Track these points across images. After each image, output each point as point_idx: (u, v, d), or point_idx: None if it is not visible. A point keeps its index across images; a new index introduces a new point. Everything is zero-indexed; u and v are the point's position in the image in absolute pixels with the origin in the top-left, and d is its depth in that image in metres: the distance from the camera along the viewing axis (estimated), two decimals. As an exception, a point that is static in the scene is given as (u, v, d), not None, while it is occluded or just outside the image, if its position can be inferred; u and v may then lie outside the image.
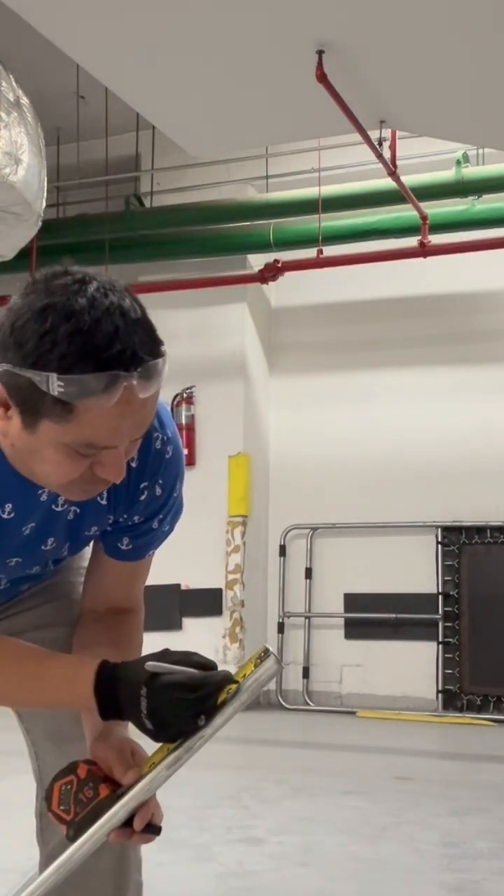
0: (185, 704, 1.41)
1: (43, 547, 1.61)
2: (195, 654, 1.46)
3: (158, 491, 1.62)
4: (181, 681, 1.41)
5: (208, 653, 8.08)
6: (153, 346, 1.35)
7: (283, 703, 7.53)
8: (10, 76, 5.47)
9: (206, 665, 1.45)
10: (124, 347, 1.30)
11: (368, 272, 7.35)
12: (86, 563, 1.78)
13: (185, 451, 9.07)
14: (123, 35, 4.60)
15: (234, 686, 1.45)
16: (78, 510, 1.59)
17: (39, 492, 1.51)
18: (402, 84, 4.98)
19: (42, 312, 1.30)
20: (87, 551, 1.77)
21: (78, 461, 1.36)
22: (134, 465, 1.55)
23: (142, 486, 1.59)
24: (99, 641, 1.65)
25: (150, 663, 1.42)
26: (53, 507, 1.56)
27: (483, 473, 7.27)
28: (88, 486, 1.42)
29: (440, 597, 7.27)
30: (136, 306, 1.35)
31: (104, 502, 1.59)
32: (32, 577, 1.73)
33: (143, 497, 1.60)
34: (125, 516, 1.62)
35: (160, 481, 1.61)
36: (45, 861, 1.65)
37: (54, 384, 1.28)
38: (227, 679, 1.44)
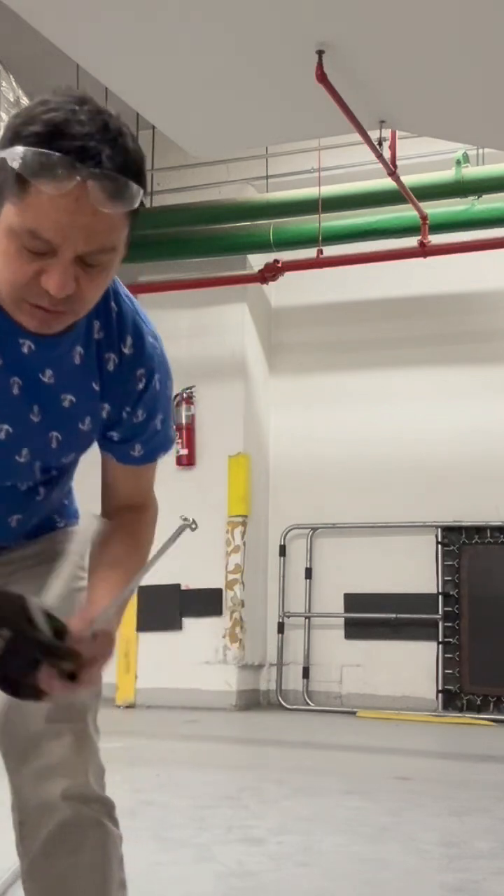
0: (33, 668, 1.40)
1: (32, 417, 1.60)
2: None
3: (157, 385, 1.65)
4: (49, 644, 1.40)
5: (208, 653, 8.10)
6: (126, 168, 1.36)
7: (283, 703, 7.53)
8: (10, 76, 5.47)
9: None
10: (91, 147, 1.33)
11: (368, 272, 7.35)
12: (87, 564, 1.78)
13: (186, 452, 9.00)
14: (123, 35, 4.60)
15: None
16: (74, 399, 1.60)
17: (21, 341, 1.52)
18: (402, 84, 4.98)
19: (32, 105, 1.37)
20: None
21: (24, 259, 1.37)
22: (127, 351, 1.60)
23: (138, 372, 1.62)
24: (113, 535, 1.70)
25: (34, 600, 1.41)
26: (41, 376, 1.57)
27: (483, 473, 7.27)
28: (34, 298, 1.41)
29: (440, 597, 7.27)
30: (129, 133, 1.39)
31: (97, 387, 1.61)
32: (24, 499, 1.71)
33: (140, 386, 1.63)
34: (128, 410, 1.64)
35: (157, 376, 1.65)
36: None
37: (16, 156, 1.32)
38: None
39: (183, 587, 7.49)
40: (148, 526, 1.80)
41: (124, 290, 1.65)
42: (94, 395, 1.61)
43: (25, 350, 1.54)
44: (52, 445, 1.65)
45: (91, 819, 1.62)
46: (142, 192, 1.38)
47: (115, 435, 1.67)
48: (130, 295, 1.66)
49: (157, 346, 1.66)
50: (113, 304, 1.61)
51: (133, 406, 1.64)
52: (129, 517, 1.76)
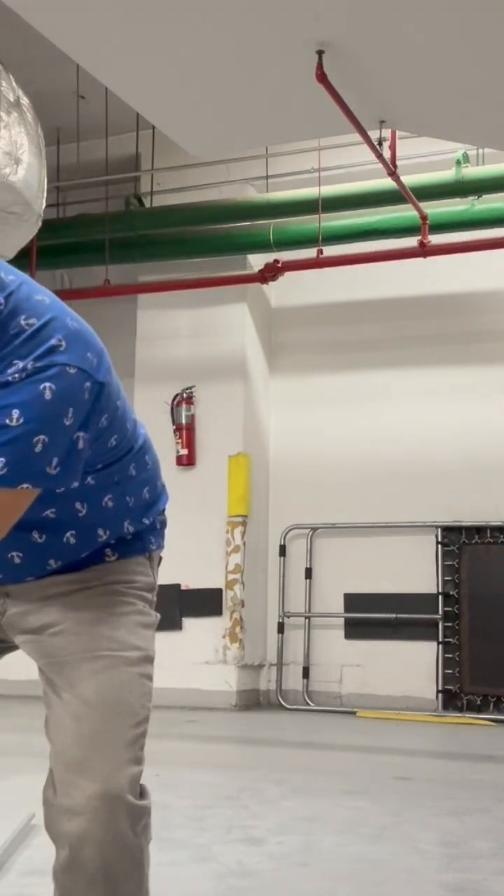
0: None
1: None
2: None
3: (14, 377, 1.52)
4: None
5: (208, 653, 8.07)
6: None
7: (283, 703, 7.53)
8: (10, 76, 5.47)
9: None
10: None
11: (368, 272, 7.35)
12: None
13: (186, 452, 8.95)
14: (123, 35, 4.60)
15: None
16: None
17: None
18: (402, 84, 4.98)
19: None
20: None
21: None
22: None
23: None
24: None
25: None
26: None
27: (483, 473, 7.27)
28: None
29: (440, 597, 7.27)
30: None
31: None
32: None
33: None
34: None
35: (23, 363, 1.52)
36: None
37: None
38: None
39: (183, 587, 7.49)
40: None
41: (29, 292, 1.58)
42: None
43: None
44: None
45: (97, 865, 1.63)
46: None
47: None
48: (37, 295, 1.58)
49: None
50: None
51: None
52: None
